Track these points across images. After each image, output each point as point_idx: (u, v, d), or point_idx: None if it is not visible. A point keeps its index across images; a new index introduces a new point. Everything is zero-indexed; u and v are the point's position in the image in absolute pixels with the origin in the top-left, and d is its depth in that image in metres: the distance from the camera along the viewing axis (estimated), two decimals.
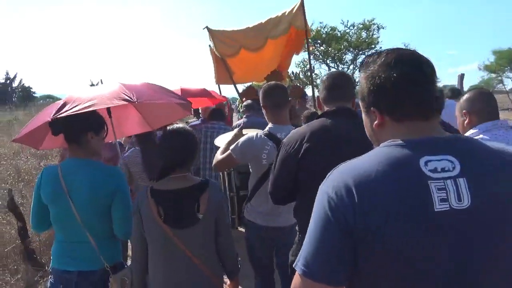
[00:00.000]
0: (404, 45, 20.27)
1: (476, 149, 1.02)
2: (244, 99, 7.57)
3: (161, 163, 2.05)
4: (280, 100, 2.66)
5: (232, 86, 7.57)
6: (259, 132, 2.65)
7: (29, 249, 3.84)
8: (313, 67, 21.64)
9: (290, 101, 2.77)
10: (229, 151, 2.64)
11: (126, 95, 2.51)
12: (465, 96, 2.37)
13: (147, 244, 2.00)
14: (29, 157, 9.07)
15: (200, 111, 6.35)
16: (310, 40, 21.12)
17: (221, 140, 3.19)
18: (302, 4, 6.63)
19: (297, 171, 1.92)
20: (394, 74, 1.04)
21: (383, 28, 20.34)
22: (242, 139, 2.63)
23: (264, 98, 2.68)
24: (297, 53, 7.84)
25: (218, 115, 5.02)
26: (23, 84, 48.64)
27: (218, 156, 2.74)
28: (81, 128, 2.19)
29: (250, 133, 2.74)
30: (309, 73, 21.15)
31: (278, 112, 2.66)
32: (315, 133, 1.91)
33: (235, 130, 2.96)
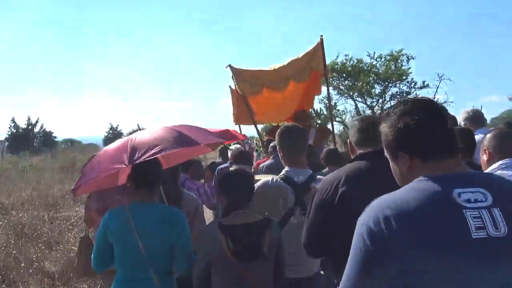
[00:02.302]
0: (438, 75, 19.23)
1: (501, 182, 1.15)
2: (267, 137, 7.50)
3: (228, 201, 2.30)
4: (299, 143, 2.59)
5: (250, 125, 7.41)
6: (274, 176, 2.60)
7: None
8: (335, 103, 20.87)
9: (312, 144, 2.74)
10: None
11: (190, 138, 2.66)
12: (488, 135, 2.51)
13: (209, 275, 2.21)
14: (29, 209, 8.33)
15: (229, 152, 6.35)
16: (335, 74, 20.51)
17: None
18: (321, 44, 6.66)
19: (333, 217, 1.90)
20: (415, 118, 1.17)
21: (413, 58, 19.45)
22: (257, 185, 2.54)
23: (282, 140, 2.62)
24: (318, 94, 7.96)
25: (245, 157, 5.01)
26: (45, 129, 49.56)
27: None
28: (159, 176, 2.50)
29: (264, 178, 2.66)
30: (331, 109, 20.62)
31: (296, 156, 2.59)
32: (350, 176, 1.91)
33: None
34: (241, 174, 2.37)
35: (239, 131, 7.93)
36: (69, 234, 6.53)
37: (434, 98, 19.19)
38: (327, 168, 4.50)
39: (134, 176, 2.45)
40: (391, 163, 1.29)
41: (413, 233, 1.02)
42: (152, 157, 2.41)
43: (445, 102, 19.25)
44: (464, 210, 1.03)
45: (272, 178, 2.57)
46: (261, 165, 4.67)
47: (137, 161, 2.37)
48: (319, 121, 19.25)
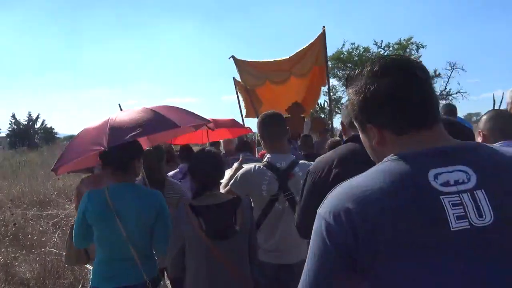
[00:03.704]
0: (450, 64, 18.56)
1: (493, 155, 0.93)
2: None
3: (197, 183, 2.31)
4: (278, 130, 2.63)
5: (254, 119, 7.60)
6: (258, 163, 2.67)
7: None
8: (340, 96, 20.25)
9: (289, 130, 2.78)
10: (228, 186, 2.60)
11: (170, 120, 2.72)
12: (483, 117, 2.44)
13: (184, 258, 2.22)
14: (17, 206, 7.86)
15: (222, 144, 6.20)
16: (341, 64, 20.00)
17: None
18: (324, 35, 6.67)
19: None
20: (385, 83, 0.98)
21: (423, 47, 18.78)
22: (240, 172, 2.61)
23: (262, 128, 2.66)
24: (324, 85, 7.95)
25: (244, 146, 5.19)
26: (46, 125, 49.17)
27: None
28: (131, 157, 2.48)
29: (248, 165, 2.72)
30: (335, 102, 19.96)
31: (277, 142, 2.62)
32: (344, 158, 1.86)
33: (235, 165, 2.89)
34: (208, 156, 2.37)
35: (242, 123, 7.92)
36: (50, 235, 5.99)
37: (446, 88, 18.61)
38: None
39: (106, 160, 2.48)
40: (361, 136, 1.11)
41: (379, 229, 0.86)
42: (132, 139, 2.46)
43: (458, 92, 18.63)
44: (441, 197, 0.86)
45: (255, 165, 2.59)
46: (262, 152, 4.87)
47: (116, 144, 2.40)
48: (323, 115, 18.78)
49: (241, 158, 3.06)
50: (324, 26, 6.74)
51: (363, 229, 0.86)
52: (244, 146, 5.24)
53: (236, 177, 2.58)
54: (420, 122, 0.96)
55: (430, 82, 1.02)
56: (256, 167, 2.55)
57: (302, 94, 7.64)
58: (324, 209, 0.96)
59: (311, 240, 0.97)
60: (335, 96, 20.07)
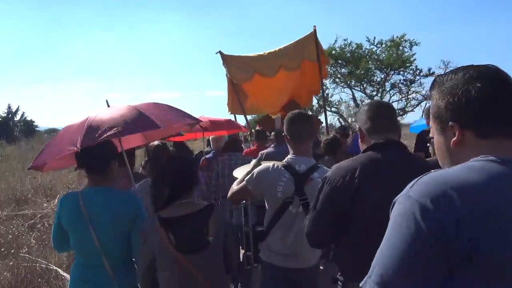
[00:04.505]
0: (444, 62, 18.52)
1: None
2: (258, 127, 7.48)
3: (167, 190, 2.22)
4: (303, 130, 2.58)
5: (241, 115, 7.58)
6: (277, 162, 2.61)
7: None
8: (328, 94, 19.97)
9: (315, 131, 2.61)
10: (244, 182, 2.60)
11: (152, 121, 2.64)
12: None
13: (155, 273, 2.10)
14: None
15: (210, 141, 5.92)
16: (332, 61, 19.67)
17: (240, 172, 3.14)
18: (314, 35, 6.59)
19: (347, 209, 1.82)
20: (479, 85, 0.99)
21: (416, 44, 18.58)
22: (257, 169, 2.58)
23: (290, 127, 2.61)
24: (316, 94, 8.16)
25: (234, 146, 4.88)
26: (26, 117, 47.85)
27: (234, 187, 2.71)
28: (106, 160, 2.37)
29: (267, 163, 2.67)
30: (325, 99, 19.77)
31: (300, 143, 2.58)
32: (367, 167, 1.83)
33: (253, 161, 2.85)
34: (176, 163, 2.30)
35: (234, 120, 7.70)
36: (25, 238, 5.50)
37: None
38: (326, 157, 4.62)
39: (79, 161, 2.39)
40: (436, 137, 1.11)
41: (482, 219, 0.83)
42: (107, 138, 2.43)
43: None
44: None
45: (273, 164, 2.56)
46: (261, 152, 4.56)
47: (89, 144, 2.35)
48: (311, 113, 18.52)
49: (260, 155, 2.98)
50: (315, 26, 6.69)
51: (467, 219, 0.84)
52: (233, 146, 4.83)
53: (253, 173, 2.55)
54: (505, 129, 0.97)
55: None
56: (275, 167, 2.52)
57: (289, 92, 7.58)
58: (417, 192, 0.91)
59: (392, 224, 0.93)
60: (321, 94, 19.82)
